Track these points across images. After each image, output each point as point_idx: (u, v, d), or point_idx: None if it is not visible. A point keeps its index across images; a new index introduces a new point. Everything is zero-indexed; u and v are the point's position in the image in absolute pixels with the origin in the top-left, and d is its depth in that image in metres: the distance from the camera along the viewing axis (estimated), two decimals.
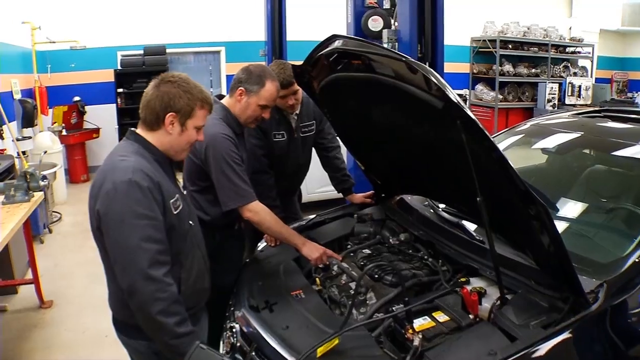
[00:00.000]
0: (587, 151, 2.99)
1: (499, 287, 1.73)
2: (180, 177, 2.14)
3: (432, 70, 1.44)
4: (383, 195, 2.98)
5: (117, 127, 7.95)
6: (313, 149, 3.19)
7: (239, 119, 2.40)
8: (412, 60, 1.47)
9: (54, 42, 7.20)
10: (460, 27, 10.17)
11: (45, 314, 3.94)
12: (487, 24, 10.56)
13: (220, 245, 2.42)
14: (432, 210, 2.60)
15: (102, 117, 8.19)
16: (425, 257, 2.28)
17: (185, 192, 1.97)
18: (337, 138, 3.13)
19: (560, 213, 2.48)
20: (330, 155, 3.15)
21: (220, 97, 2.47)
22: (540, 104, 10.22)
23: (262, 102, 2.36)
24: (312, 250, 2.30)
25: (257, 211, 2.31)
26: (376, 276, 2.15)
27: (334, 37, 1.92)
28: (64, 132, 7.63)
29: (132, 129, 1.82)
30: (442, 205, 2.59)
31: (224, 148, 2.27)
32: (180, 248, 1.78)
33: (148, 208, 1.61)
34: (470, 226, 2.28)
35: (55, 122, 7.54)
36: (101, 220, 1.62)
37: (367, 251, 2.43)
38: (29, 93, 6.94)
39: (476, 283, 1.97)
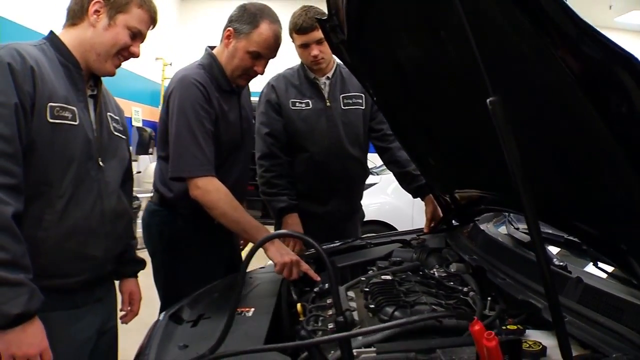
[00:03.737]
0: None
1: (558, 340, 0.80)
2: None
3: None
4: (457, 223, 2.13)
5: None
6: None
7: (225, 71, 1.81)
8: None
9: None
10: None
11: None
12: None
13: (182, 236, 1.80)
14: (505, 233, 1.68)
15: None
16: (469, 291, 1.37)
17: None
18: None
19: None
20: (393, 147, 2.35)
21: (213, 48, 1.92)
22: None
23: (252, 48, 1.76)
24: (280, 254, 1.59)
25: (209, 190, 1.67)
26: (372, 306, 1.31)
27: None
28: None
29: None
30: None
31: (190, 97, 1.70)
32: (49, 176, 1.25)
33: None
34: (553, 249, 1.34)
35: None
36: None
37: (388, 277, 1.58)
38: (152, 125, 7.19)
39: (536, 335, 1.05)
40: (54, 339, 1.21)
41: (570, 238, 1.37)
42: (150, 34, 1.49)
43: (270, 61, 1.91)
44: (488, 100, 0.69)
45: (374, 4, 1.39)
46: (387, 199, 5.59)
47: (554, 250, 1.35)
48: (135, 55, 1.46)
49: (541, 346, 0.96)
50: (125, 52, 1.43)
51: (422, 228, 2.27)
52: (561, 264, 1.21)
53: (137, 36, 1.43)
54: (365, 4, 1.43)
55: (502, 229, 1.81)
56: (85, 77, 1.41)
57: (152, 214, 1.87)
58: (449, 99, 1.41)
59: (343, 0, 1.54)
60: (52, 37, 1.37)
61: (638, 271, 0.82)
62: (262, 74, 1.84)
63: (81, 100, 1.36)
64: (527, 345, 0.97)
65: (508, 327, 1.09)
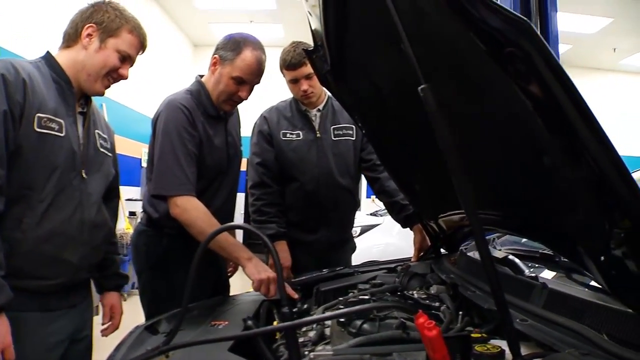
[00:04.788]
0: None
1: (506, 337, 0.80)
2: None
3: None
4: (445, 252, 2.13)
5: (242, 212, 7.82)
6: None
7: (212, 96, 1.89)
8: None
9: None
10: None
11: None
12: None
13: (168, 255, 1.84)
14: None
15: None
16: (441, 306, 1.36)
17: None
18: None
19: None
20: (382, 177, 2.39)
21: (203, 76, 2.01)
22: None
23: (235, 74, 1.83)
24: (258, 270, 1.60)
25: (187, 208, 1.71)
26: (342, 320, 1.31)
27: None
28: None
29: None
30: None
31: (175, 120, 1.78)
32: (32, 181, 1.32)
33: None
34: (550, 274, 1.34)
35: None
36: None
37: (365, 297, 1.58)
38: None
39: (502, 344, 1.03)
40: (23, 339, 1.24)
41: (546, 252, 1.37)
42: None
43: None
44: (419, 88, 0.73)
45: (348, 29, 1.46)
46: (391, 240, 5.57)
47: (550, 275, 1.34)
48: (124, 77, 1.55)
49: (500, 349, 0.95)
50: (114, 74, 1.52)
51: (411, 257, 2.28)
52: (532, 275, 1.21)
53: (127, 59, 1.53)
54: (340, 31, 1.51)
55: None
56: (77, 95, 1.49)
57: (140, 234, 1.92)
58: (422, 116, 1.45)
59: (323, 30, 1.62)
60: (47, 57, 1.48)
61: (585, 259, 0.82)
62: (246, 99, 1.91)
63: (70, 115, 1.45)
64: (486, 349, 0.96)
65: (472, 335, 1.09)
